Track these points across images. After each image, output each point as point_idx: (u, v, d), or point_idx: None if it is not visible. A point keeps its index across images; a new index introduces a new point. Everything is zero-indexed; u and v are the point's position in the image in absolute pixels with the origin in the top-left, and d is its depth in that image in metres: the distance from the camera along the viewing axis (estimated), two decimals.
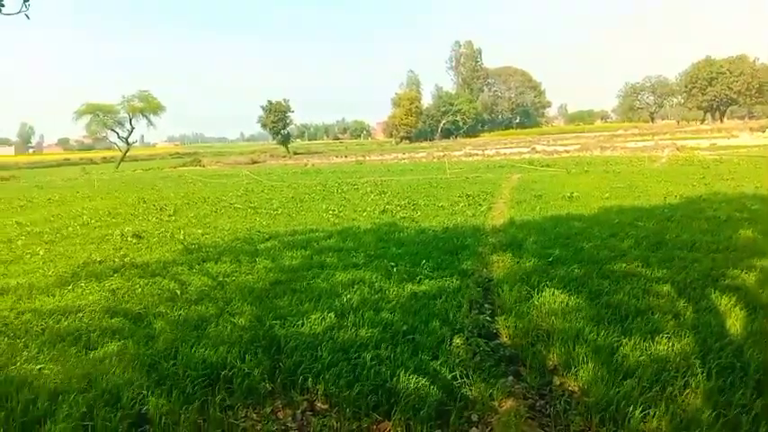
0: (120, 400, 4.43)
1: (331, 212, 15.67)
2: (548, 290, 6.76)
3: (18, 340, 5.94)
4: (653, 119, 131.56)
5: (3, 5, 4.18)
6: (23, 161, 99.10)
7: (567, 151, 45.56)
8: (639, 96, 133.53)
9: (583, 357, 4.86)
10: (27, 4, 4.25)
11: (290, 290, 7.46)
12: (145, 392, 4.54)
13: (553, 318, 5.90)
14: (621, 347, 5.06)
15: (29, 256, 11.10)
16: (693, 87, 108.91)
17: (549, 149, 49.10)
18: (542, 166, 30.36)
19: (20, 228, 15.55)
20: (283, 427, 4.25)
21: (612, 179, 21.09)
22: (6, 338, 6.01)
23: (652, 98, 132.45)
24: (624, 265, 7.94)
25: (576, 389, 4.56)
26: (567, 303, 6.34)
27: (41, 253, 11.28)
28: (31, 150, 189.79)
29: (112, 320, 6.50)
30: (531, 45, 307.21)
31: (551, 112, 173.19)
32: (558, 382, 4.72)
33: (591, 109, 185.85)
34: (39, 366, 5.19)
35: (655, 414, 3.97)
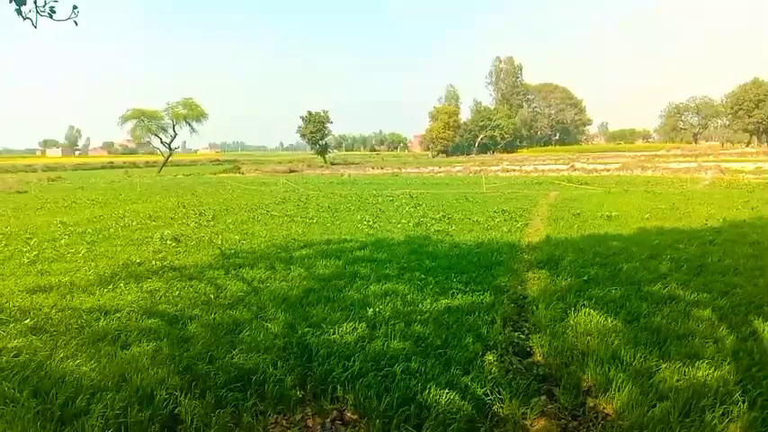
0: (154, 400, 4.50)
1: (365, 223, 15.73)
2: (584, 310, 6.63)
3: (58, 337, 6.08)
4: (696, 140, 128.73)
5: (54, 11, 4.32)
6: (70, 163, 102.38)
7: (607, 170, 44.83)
8: (683, 117, 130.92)
9: (619, 380, 4.74)
10: (76, 10, 4.38)
11: (323, 298, 7.49)
12: (178, 394, 4.60)
13: (589, 338, 5.78)
14: (659, 372, 4.93)
15: (71, 255, 11.41)
16: (740, 109, 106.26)
17: (589, 167, 48.39)
18: (581, 184, 29.94)
19: (64, 227, 16.02)
20: None
21: (653, 200, 20.66)
22: (47, 335, 6.17)
23: (696, 119, 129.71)
24: (663, 287, 7.74)
25: (611, 412, 4.46)
26: (604, 324, 6.20)
27: (83, 252, 11.58)
28: (77, 153, 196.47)
29: (149, 321, 6.61)
30: (573, 62, 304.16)
31: (592, 129, 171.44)
32: (591, 404, 4.62)
33: (632, 128, 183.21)
34: (77, 363, 5.30)
35: None
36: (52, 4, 4.28)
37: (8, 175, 58.01)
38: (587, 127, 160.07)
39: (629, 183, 30.54)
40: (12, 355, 5.56)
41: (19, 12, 4.13)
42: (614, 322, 6.27)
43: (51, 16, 4.26)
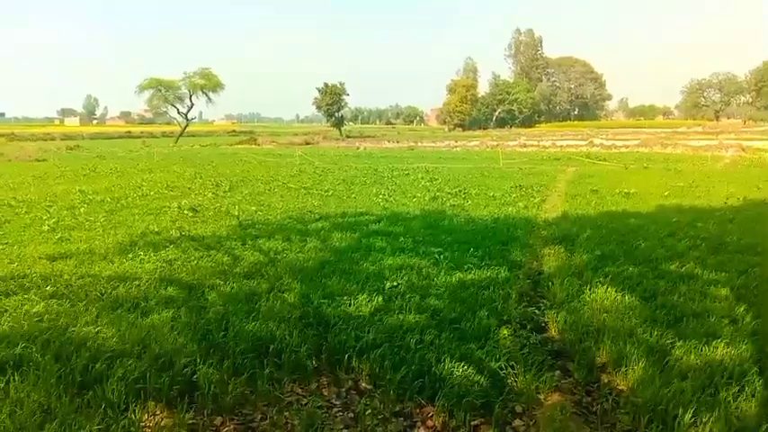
0: (173, 367, 4.58)
1: (381, 197, 15.73)
2: (600, 286, 6.62)
3: (79, 303, 6.19)
4: (718, 117, 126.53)
5: None
6: (87, 132, 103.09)
7: (627, 146, 44.20)
8: (705, 93, 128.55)
9: (634, 357, 4.74)
10: None
11: (339, 270, 7.53)
12: (197, 360, 4.68)
13: (605, 315, 5.78)
14: (674, 349, 4.92)
15: (90, 223, 11.56)
16: (764, 86, 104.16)
17: (608, 143, 47.78)
18: (600, 161, 29.61)
19: (82, 196, 16.20)
20: (328, 404, 4.32)
21: (672, 177, 20.40)
22: (68, 301, 6.28)
23: (718, 95, 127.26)
24: (681, 266, 7.70)
25: (625, 388, 4.46)
26: (620, 301, 6.20)
27: (102, 221, 11.74)
28: (95, 122, 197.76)
29: (167, 289, 6.71)
30: (594, 35, 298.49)
31: (611, 105, 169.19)
32: (606, 380, 4.63)
33: (653, 104, 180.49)
34: (97, 329, 5.40)
35: (706, 418, 3.85)
36: None
37: (28, 144, 58.69)
38: (607, 102, 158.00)
39: (649, 160, 30.12)
40: (35, 320, 5.68)
41: None
42: (631, 299, 6.26)
43: None
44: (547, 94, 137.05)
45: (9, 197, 15.82)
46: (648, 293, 6.48)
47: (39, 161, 35.00)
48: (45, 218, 12.08)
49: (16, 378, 4.32)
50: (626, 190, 16.05)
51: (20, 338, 5.13)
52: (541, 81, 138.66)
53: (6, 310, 5.97)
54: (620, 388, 4.49)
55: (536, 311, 6.14)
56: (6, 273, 7.55)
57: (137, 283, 6.95)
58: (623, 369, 4.64)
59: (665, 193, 15.53)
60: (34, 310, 5.95)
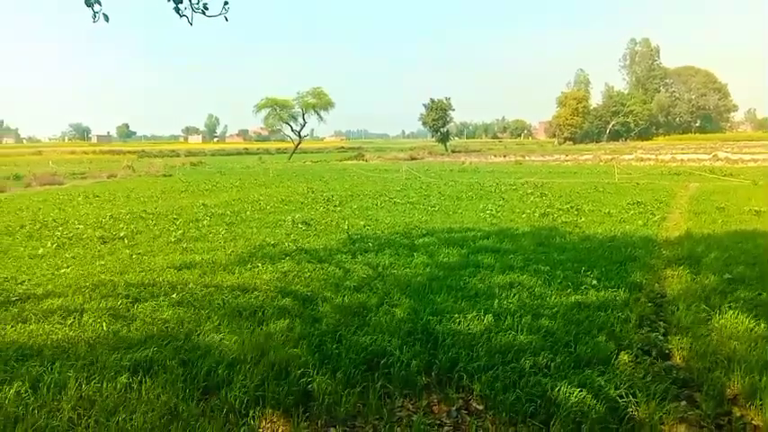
0: (289, 376, 4.74)
1: (488, 212, 15.52)
2: (730, 312, 6.13)
3: (202, 311, 6.57)
4: None
5: (207, 8, 4.61)
6: (209, 148, 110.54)
7: (755, 160, 40.88)
8: None
9: None
10: (226, 6, 4.64)
11: (447, 287, 7.49)
12: (310, 370, 4.81)
13: (735, 343, 5.34)
14: None
15: (212, 235, 12.30)
16: None
17: (734, 157, 44.43)
18: (725, 176, 27.56)
19: (205, 209, 17.28)
20: (438, 422, 4.27)
21: None
22: (193, 308, 6.69)
23: None
24: None
25: (761, 423, 4.10)
26: (753, 329, 5.70)
27: (223, 233, 12.44)
28: (215, 139, 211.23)
29: (283, 300, 6.97)
30: (717, 42, 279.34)
31: (737, 116, 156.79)
32: (738, 414, 4.27)
33: None
34: (219, 336, 5.69)
35: None
36: (206, 0, 4.58)
37: (156, 160, 63.54)
38: (732, 113, 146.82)
39: None
40: (163, 325, 6.09)
41: (177, 10, 4.47)
42: (764, 328, 5.74)
43: (204, 13, 4.56)
44: (665, 105, 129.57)
45: (141, 210, 17.19)
46: None
47: (165, 176, 37.83)
48: (172, 229, 12.99)
49: (147, 380, 4.62)
50: (756, 208, 14.80)
51: (150, 342, 5.52)
52: (659, 92, 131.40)
53: (138, 316, 6.44)
54: (755, 423, 4.13)
55: (659, 337, 5.77)
56: (138, 280, 8.16)
57: (255, 293, 7.28)
58: (758, 403, 4.27)
59: None
60: (162, 316, 6.38)
